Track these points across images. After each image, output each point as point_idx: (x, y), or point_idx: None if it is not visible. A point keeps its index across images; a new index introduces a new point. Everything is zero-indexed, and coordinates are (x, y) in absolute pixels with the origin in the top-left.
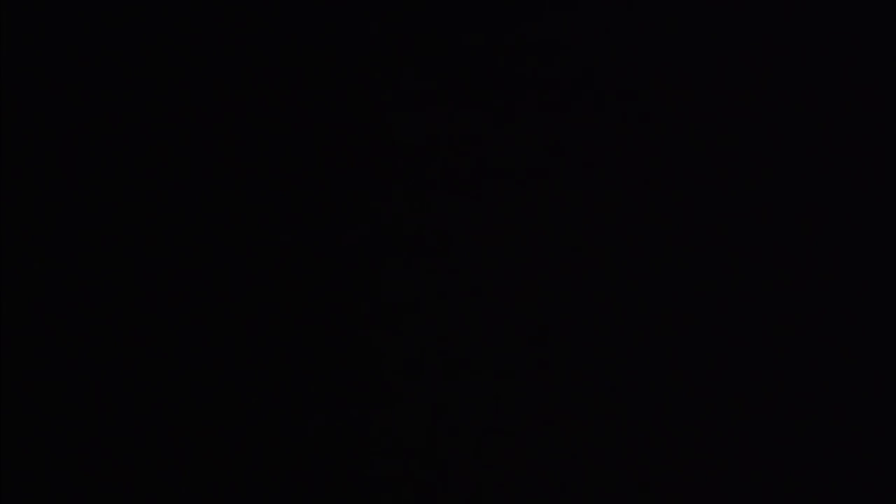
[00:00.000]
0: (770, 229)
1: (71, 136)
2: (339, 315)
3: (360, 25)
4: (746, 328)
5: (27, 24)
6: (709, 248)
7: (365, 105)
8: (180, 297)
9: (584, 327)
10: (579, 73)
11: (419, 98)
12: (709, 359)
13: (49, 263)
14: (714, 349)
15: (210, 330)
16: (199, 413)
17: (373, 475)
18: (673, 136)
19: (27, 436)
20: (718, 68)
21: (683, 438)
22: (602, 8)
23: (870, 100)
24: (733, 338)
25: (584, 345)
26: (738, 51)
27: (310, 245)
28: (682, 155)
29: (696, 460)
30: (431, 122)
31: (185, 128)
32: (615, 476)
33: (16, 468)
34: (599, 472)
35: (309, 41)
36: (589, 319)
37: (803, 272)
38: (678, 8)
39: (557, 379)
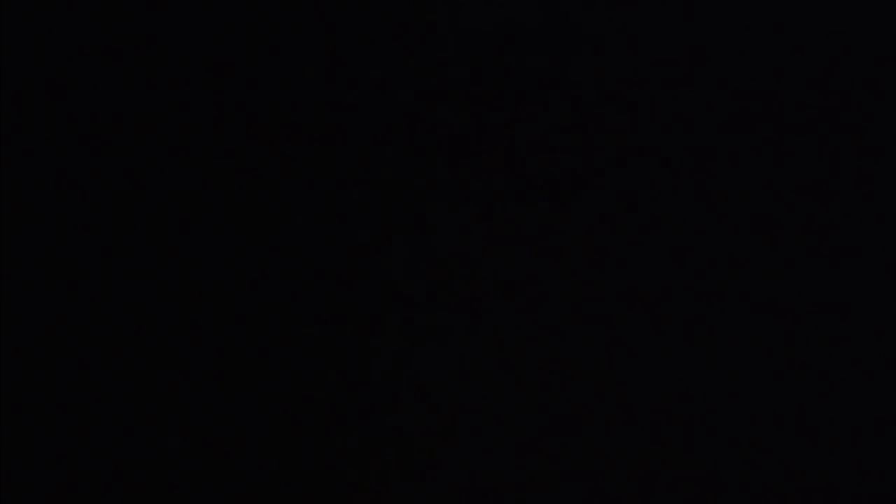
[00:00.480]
0: (772, 230)
1: (71, 136)
2: (338, 315)
3: (364, 24)
4: (748, 331)
5: (27, 24)
6: (711, 250)
7: (367, 105)
8: (180, 296)
9: (587, 329)
10: (585, 73)
11: (421, 98)
12: (709, 361)
13: (48, 263)
14: (714, 351)
15: (210, 330)
16: (198, 413)
17: (372, 475)
18: (677, 138)
19: (27, 436)
20: (721, 70)
21: (682, 439)
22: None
23: (870, 100)
24: (734, 340)
25: (588, 346)
26: (744, 54)
27: (310, 245)
28: (686, 158)
29: (697, 461)
30: (432, 122)
31: (185, 128)
32: (616, 477)
33: (16, 468)
34: (601, 473)
35: (312, 40)
36: (592, 320)
37: (804, 274)
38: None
39: (560, 380)
